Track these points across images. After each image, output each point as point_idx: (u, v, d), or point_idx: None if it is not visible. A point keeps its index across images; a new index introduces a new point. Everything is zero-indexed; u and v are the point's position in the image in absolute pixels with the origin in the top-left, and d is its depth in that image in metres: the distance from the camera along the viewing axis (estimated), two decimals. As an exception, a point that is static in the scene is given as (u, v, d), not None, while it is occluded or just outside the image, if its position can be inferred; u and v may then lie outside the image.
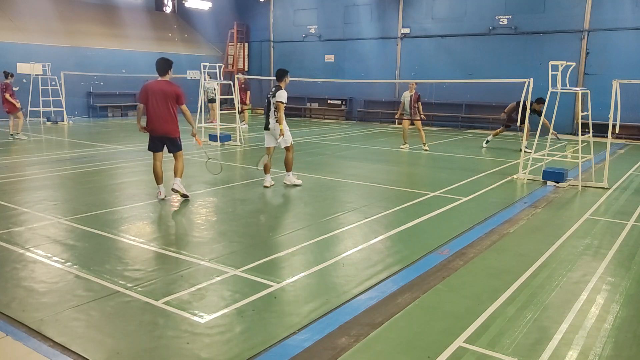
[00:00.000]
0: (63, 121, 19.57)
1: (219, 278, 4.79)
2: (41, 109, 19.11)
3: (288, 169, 8.81)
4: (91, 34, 23.26)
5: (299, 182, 8.89)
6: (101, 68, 22.20)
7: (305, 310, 4.16)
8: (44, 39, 21.19)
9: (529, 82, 10.14)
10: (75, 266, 5.03)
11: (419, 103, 13.68)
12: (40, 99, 18.97)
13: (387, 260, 5.36)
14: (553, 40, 18.96)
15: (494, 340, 3.72)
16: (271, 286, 4.61)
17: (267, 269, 5.05)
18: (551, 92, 9.23)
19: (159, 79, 7.56)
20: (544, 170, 9.55)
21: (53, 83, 19.30)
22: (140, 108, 7.60)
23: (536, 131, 10.05)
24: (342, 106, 24.38)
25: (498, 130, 14.51)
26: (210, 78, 16.70)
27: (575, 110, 18.53)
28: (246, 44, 27.54)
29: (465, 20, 20.75)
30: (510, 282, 4.79)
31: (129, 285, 4.58)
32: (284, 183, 8.86)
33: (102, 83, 22.81)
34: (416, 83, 14.05)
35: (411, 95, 13.57)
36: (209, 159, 8.71)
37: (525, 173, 9.83)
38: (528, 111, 10.35)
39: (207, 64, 15.31)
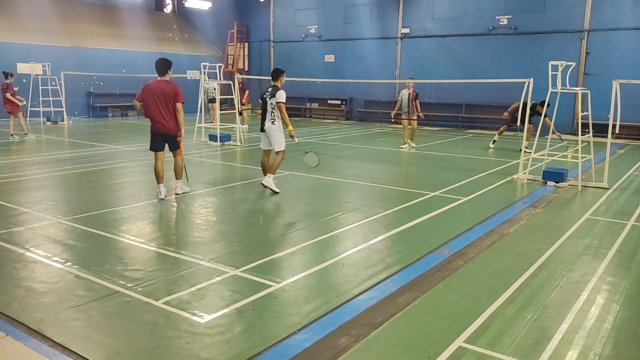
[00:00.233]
0: (63, 121, 19.58)
1: (219, 278, 4.79)
2: (41, 109, 19.10)
3: (271, 171, 8.24)
4: (91, 34, 23.26)
5: (276, 189, 8.22)
6: (101, 68, 22.21)
7: (305, 310, 4.16)
8: (44, 39, 21.20)
9: (529, 82, 10.14)
10: (75, 266, 5.03)
11: (417, 101, 13.77)
12: (40, 99, 18.96)
13: (387, 260, 5.36)
14: (553, 40, 18.97)
15: (494, 340, 3.72)
16: (271, 286, 4.61)
17: (267, 269, 5.05)
18: (551, 92, 9.23)
19: (159, 79, 7.61)
20: (544, 170, 9.55)
21: (53, 83, 19.30)
22: (136, 105, 7.78)
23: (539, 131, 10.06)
24: (342, 106, 24.39)
25: (502, 129, 14.51)
26: (210, 78, 16.69)
27: (575, 110, 18.54)
28: (246, 44, 27.55)
29: (465, 20, 20.76)
30: (510, 282, 4.79)
31: (129, 285, 4.58)
32: (262, 183, 8.32)
33: (102, 83, 22.81)
34: (415, 82, 14.12)
35: (409, 94, 13.64)
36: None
37: (525, 173, 9.83)
38: (528, 111, 10.35)
39: (207, 64, 15.32)
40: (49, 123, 19.63)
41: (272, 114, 8.13)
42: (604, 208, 7.85)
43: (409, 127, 14.12)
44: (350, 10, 23.76)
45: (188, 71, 16.03)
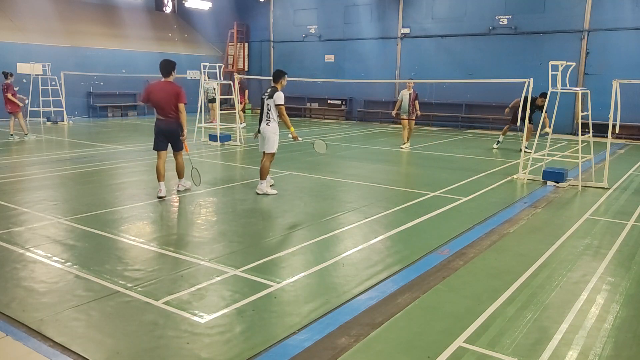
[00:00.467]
0: (63, 121, 19.57)
1: (219, 278, 4.79)
2: (41, 109, 19.10)
3: (262, 177, 8.13)
4: (91, 34, 23.26)
5: (273, 192, 8.18)
6: (101, 68, 22.20)
7: (305, 310, 4.16)
8: (44, 39, 21.19)
9: (529, 82, 10.14)
10: (75, 266, 5.03)
11: (416, 101, 13.82)
12: (40, 99, 18.96)
13: (387, 260, 5.36)
14: (553, 40, 18.97)
15: (494, 340, 3.72)
16: (271, 286, 4.61)
17: (267, 269, 5.05)
18: (551, 92, 9.24)
19: (163, 79, 7.67)
20: (544, 170, 9.55)
21: (53, 83, 19.30)
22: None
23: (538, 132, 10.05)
24: (342, 106, 24.38)
25: (505, 128, 14.47)
26: (210, 78, 16.69)
27: (575, 110, 18.53)
28: (246, 44, 27.54)
29: (465, 20, 20.75)
30: (510, 282, 4.79)
31: (129, 285, 4.58)
32: (256, 192, 8.19)
33: (102, 83, 22.81)
34: (415, 82, 14.13)
35: (409, 94, 13.68)
36: (194, 168, 8.46)
37: (525, 173, 9.83)
38: (528, 110, 10.35)
39: (207, 64, 15.31)
40: (49, 123, 19.63)
41: (268, 115, 8.06)
42: (604, 208, 7.85)
43: (408, 127, 14.13)
44: (350, 10, 23.75)
45: (188, 71, 16.02)
